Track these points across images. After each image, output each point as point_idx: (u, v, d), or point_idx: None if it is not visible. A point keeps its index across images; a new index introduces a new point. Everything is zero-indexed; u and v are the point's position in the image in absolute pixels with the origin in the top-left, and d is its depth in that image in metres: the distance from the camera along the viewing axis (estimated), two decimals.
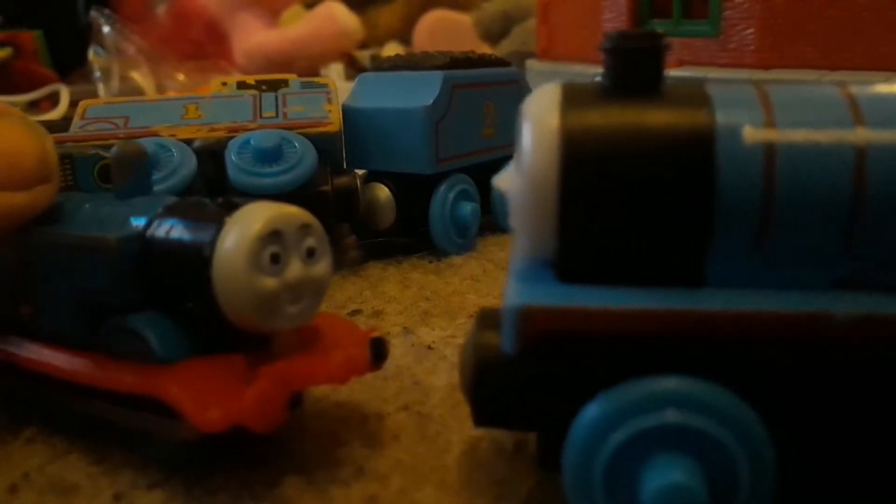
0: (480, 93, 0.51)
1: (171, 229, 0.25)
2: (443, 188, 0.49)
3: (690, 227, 0.20)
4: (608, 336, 0.20)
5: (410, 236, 0.51)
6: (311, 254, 0.25)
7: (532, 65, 0.80)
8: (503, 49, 1.05)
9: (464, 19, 1.24)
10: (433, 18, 1.29)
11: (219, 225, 0.24)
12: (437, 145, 0.47)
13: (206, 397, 0.23)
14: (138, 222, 0.26)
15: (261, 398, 0.23)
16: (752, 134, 0.19)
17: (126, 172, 0.28)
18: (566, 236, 0.20)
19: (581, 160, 0.20)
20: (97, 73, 1.05)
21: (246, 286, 0.23)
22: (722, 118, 0.20)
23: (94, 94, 0.99)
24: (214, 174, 0.26)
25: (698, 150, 0.19)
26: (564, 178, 0.20)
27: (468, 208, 0.50)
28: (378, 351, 0.27)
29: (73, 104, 0.89)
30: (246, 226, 0.24)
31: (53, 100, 0.98)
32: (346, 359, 0.26)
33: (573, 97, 0.21)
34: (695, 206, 0.20)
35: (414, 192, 0.49)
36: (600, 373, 0.20)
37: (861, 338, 0.19)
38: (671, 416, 0.19)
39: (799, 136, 0.19)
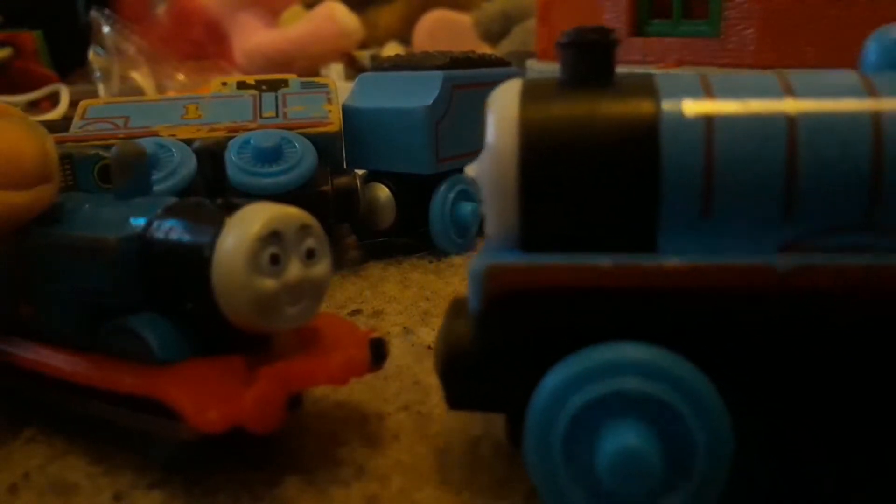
0: (480, 93, 0.50)
1: (171, 230, 0.25)
2: (443, 188, 0.49)
3: (640, 199, 0.21)
4: (567, 291, 0.21)
5: (410, 236, 0.51)
6: (310, 255, 0.25)
7: (532, 65, 0.80)
8: (503, 49, 1.05)
9: (464, 19, 1.24)
10: (433, 18, 1.29)
11: (218, 226, 0.24)
12: (437, 145, 0.47)
13: (206, 398, 0.23)
14: (138, 223, 0.26)
15: (260, 399, 0.23)
16: (691, 107, 0.21)
17: (126, 173, 0.28)
18: (527, 215, 0.22)
19: (538, 146, 0.22)
20: (97, 73, 1.05)
21: (245, 287, 0.23)
22: (665, 99, 0.22)
23: (94, 94, 0.99)
24: (214, 175, 0.26)
25: (643, 127, 0.21)
26: (523, 162, 0.22)
27: (468, 208, 0.50)
28: (378, 352, 0.27)
29: (73, 104, 0.89)
30: (245, 227, 0.24)
31: (53, 100, 0.98)
32: (346, 360, 0.26)
33: (532, 90, 0.23)
34: (642, 179, 0.21)
35: (414, 192, 0.49)
36: (561, 331, 0.21)
37: (803, 288, 0.20)
38: (627, 383, 0.20)
39: (734, 107, 0.21)
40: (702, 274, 0.21)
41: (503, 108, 0.23)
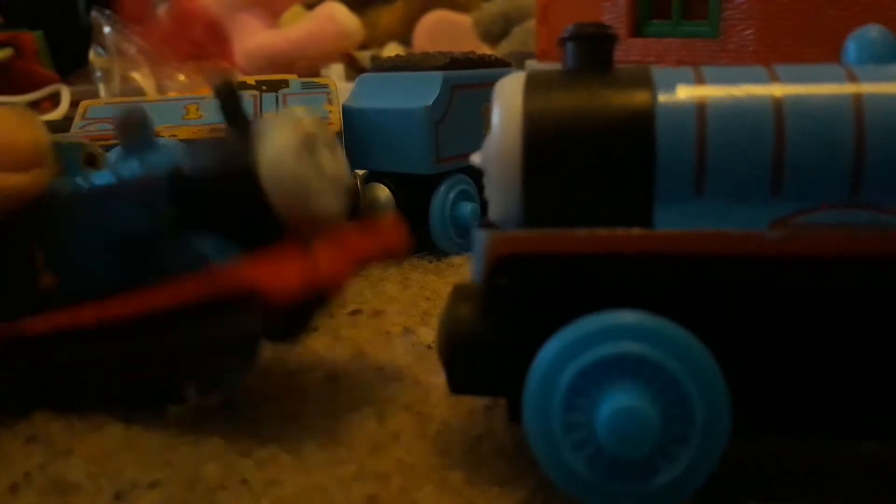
0: (480, 93, 0.51)
1: (206, 156, 0.27)
2: (443, 188, 0.49)
3: (636, 180, 0.23)
4: (564, 257, 0.22)
5: (410, 236, 0.51)
6: (331, 152, 0.28)
7: (532, 65, 0.80)
8: (503, 50, 1.05)
9: (464, 20, 1.24)
10: (433, 19, 1.29)
11: (250, 136, 0.26)
12: (437, 145, 0.48)
13: (279, 270, 0.25)
14: (168, 161, 0.28)
15: (330, 259, 0.25)
16: (684, 93, 0.23)
17: (133, 130, 0.29)
18: (530, 198, 0.23)
19: (541, 131, 0.23)
20: (98, 74, 1.05)
21: (295, 176, 0.26)
22: (660, 86, 0.23)
23: (95, 95, 0.99)
24: (234, 108, 0.28)
25: (639, 111, 0.23)
26: (527, 146, 0.23)
27: (468, 208, 0.50)
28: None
29: (74, 104, 0.89)
30: (282, 128, 0.26)
31: (54, 100, 0.98)
32: (391, 239, 0.29)
33: (535, 81, 0.24)
34: (639, 160, 0.22)
35: (414, 192, 0.49)
36: (560, 299, 0.22)
37: (791, 254, 0.21)
38: (623, 347, 0.21)
39: (724, 92, 0.23)
40: (696, 239, 0.22)
41: (508, 96, 0.24)
